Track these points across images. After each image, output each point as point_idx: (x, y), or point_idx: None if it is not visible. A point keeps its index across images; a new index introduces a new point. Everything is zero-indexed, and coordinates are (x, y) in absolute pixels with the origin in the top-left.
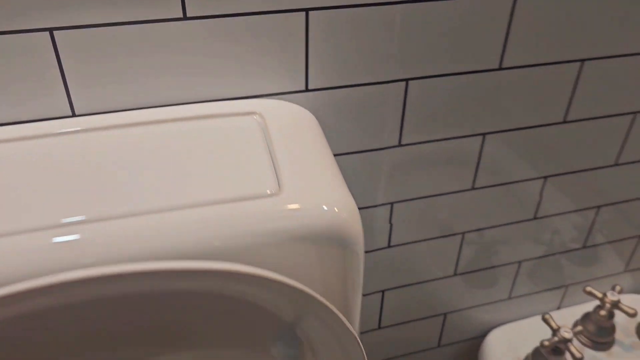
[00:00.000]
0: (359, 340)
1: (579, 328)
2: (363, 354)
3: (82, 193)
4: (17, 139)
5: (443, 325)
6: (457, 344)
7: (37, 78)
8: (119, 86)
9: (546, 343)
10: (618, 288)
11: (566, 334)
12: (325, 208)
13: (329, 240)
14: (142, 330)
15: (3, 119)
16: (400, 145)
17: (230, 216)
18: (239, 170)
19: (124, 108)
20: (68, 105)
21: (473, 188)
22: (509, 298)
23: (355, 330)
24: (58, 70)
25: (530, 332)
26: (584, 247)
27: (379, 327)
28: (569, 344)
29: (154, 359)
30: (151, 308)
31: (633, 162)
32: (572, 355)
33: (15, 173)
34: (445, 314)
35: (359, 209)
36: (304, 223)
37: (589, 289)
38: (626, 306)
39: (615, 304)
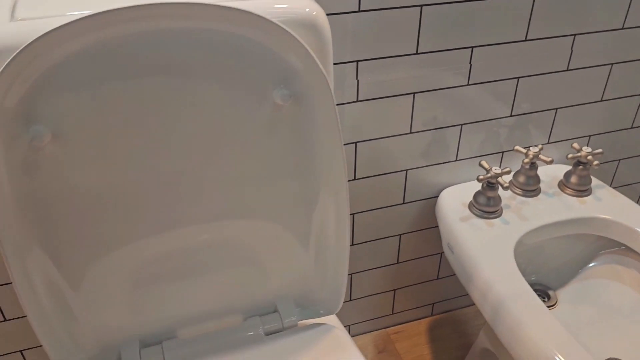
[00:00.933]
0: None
1: (512, 179)
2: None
3: None
4: None
5: (405, 182)
6: (418, 202)
7: None
8: None
9: (481, 177)
10: (540, 146)
11: (496, 170)
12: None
13: (307, 26)
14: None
15: None
16: (360, 11)
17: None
18: None
19: None
20: None
21: (417, 53)
22: (456, 160)
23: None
24: None
25: (475, 189)
26: (511, 115)
27: (355, 179)
28: (499, 178)
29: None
30: (185, 41)
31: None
32: (501, 185)
33: None
34: (406, 171)
35: None
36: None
37: (517, 147)
38: (544, 156)
39: (537, 155)
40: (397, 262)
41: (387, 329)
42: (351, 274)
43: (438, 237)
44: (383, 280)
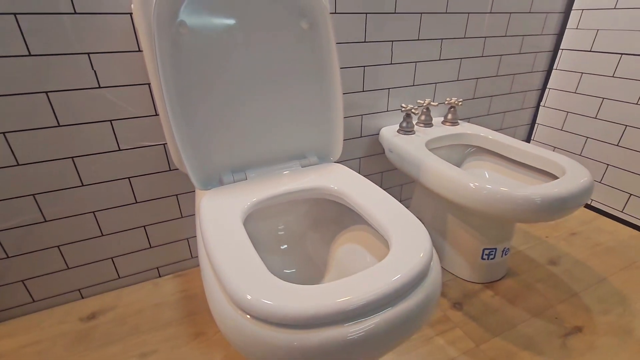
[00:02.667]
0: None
1: (417, 119)
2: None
3: None
4: None
5: (362, 123)
6: (369, 136)
7: None
8: None
9: (403, 107)
10: (428, 100)
11: (410, 106)
12: None
13: None
14: None
15: None
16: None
17: None
18: None
19: None
20: None
21: (365, 41)
22: (387, 110)
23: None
24: None
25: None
26: (414, 85)
27: None
28: (412, 110)
29: None
30: None
31: None
32: (413, 113)
33: None
34: (362, 115)
35: None
36: None
37: (418, 100)
38: (433, 103)
39: (429, 103)
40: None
41: None
42: None
43: (379, 162)
44: None
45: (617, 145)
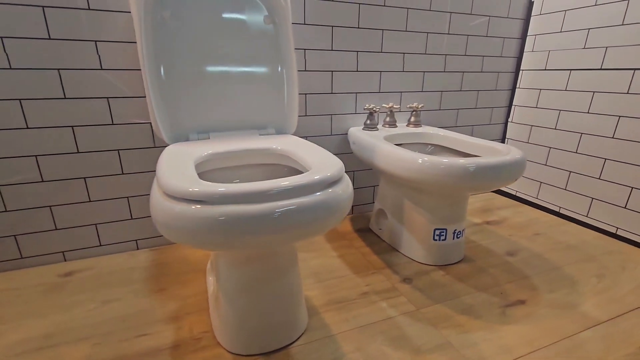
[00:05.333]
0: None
1: (384, 120)
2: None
3: None
4: None
5: (331, 121)
6: (338, 135)
7: None
8: None
9: (366, 106)
10: (391, 104)
11: (373, 105)
12: None
13: None
14: None
15: None
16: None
17: None
18: None
19: None
20: None
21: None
22: (355, 113)
23: None
24: None
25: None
26: (379, 92)
27: (306, 115)
28: (374, 108)
29: None
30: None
31: None
32: (375, 111)
33: None
34: (331, 115)
35: None
36: None
37: (383, 104)
38: (395, 106)
39: (392, 107)
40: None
41: None
42: None
43: (349, 160)
44: None
45: (575, 152)
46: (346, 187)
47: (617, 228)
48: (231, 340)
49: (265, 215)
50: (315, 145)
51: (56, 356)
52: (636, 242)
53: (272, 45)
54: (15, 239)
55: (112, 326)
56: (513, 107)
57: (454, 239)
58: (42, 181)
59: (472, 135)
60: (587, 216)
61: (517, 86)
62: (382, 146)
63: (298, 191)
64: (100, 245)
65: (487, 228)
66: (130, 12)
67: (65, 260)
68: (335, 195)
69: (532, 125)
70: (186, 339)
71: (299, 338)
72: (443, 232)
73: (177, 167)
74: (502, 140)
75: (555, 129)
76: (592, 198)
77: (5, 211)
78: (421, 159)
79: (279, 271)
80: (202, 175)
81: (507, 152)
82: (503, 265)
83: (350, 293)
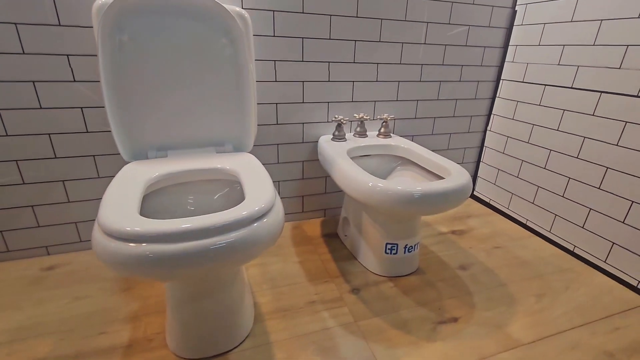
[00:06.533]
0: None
1: (354, 130)
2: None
3: None
4: None
5: (303, 130)
6: (309, 142)
7: None
8: None
9: (334, 118)
10: (362, 114)
11: (341, 116)
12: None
13: (238, 13)
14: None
15: None
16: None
17: None
18: None
19: None
20: None
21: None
22: (327, 121)
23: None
24: None
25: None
26: (352, 101)
27: (277, 123)
28: (342, 120)
29: None
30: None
31: None
32: (342, 123)
33: None
34: (303, 124)
35: None
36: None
37: (355, 114)
38: (366, 117)
39: (363, 117)
40: (303, 178)
41: (299, 221)
42: (278, 182)
43: (320, 167)
44: (295, 189)
45: (544, 168)
46: (272, 221)
47: (575, 246)
48: (177, 344)
49: (188, 253)
50: (260, 169)
51: (24, 349)
52: (590, 261)
53: (230, 64)
54: (2, 234)
55: (78, 323)
56: (492, 115)
57: (405, 253)
58: (24, 183)
59: (448, 143)
60: (549, 231)
61: (497, 95)
62: (339, 162)
63: (217, 230)
64: (81, 241)
65: (449, 238)
66: None
67: (48, 254)
68: (254, 232)
69: (507, 137)
70: (139, 339)
71: (240, 344)
72: (394, 246)
73: (121, 196)
74: (480, 149)
75: (528, 142)
76: (555, 215)
77: None
78: (371, 182)
79: (222, 284)
80: (157, 193)
81: (455, 175)
82: (452, 280)
83: (299, 301)
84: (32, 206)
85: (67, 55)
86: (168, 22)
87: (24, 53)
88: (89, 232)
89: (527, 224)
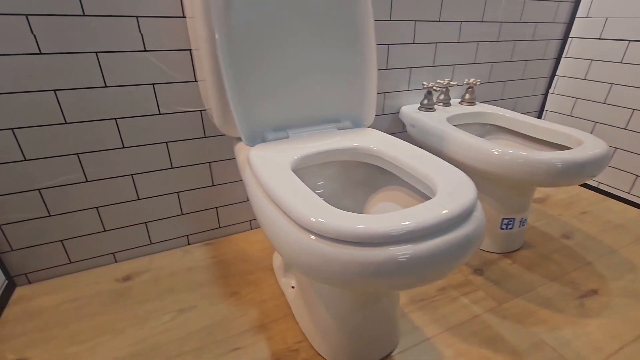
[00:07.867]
0: None
1: (437, 98)
2: None
3: None
4: None
5: (384, 100)
6: (389, 114)
7: None
8: None
9: (424, 84)
10: (447, 80)
11: (432, 83)
12: None
13: None
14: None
15: None
16: None
17: None
18: None
19: None
20: None
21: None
22: (408, 90)
23: None
24: None
25: (418, 106)
26: (434, 65)
27: None
28: (434, 87)
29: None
30: None
31: None
32: (435, 90)
33: None
34: (385, 93)
35: None
36: None
37: (438, 80)
38: (452, 82)
39: (448, 83)
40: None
41: None
42: None
43: (401, 138)
44: None
45: (624, 129)
46: (480, 214)
47: None
48: (337, 353)
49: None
50: (409, 144)
51: None
52: None
53: (351, 22)
54: (63, 244)
55: (201, 340)
56: (557, 77)
57: (519, 227)
58: (87, 181)
59: (515, 107)
60: (629, 192)
61: (564, 55)
62: (454, 134)
63: (452, 224)
64: (151, 244)
65: (534, 207)
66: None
67: (116, 262)
68: (479, 223)
69: (577, 98)
70: (283, 351)
71: (397, 346)
72: (511, 221)
73: (293, 189)
74: (540, 112)
75: (604, 103)
76: (637, 175)
77: (49, 216)
78: (505, 153)
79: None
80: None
81: (587, 142)
82: (563, 250)
83: (428, 289)
84: (96, 207)
85: (137, 17)
86: None
87: (84, 14)
88: (160, 232)
89: (600, 187)
